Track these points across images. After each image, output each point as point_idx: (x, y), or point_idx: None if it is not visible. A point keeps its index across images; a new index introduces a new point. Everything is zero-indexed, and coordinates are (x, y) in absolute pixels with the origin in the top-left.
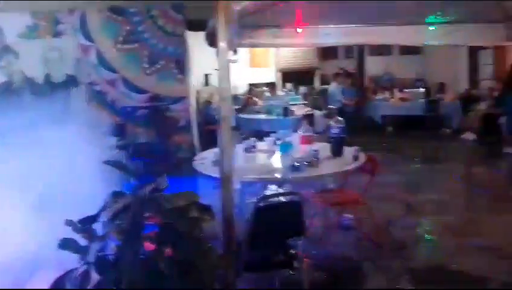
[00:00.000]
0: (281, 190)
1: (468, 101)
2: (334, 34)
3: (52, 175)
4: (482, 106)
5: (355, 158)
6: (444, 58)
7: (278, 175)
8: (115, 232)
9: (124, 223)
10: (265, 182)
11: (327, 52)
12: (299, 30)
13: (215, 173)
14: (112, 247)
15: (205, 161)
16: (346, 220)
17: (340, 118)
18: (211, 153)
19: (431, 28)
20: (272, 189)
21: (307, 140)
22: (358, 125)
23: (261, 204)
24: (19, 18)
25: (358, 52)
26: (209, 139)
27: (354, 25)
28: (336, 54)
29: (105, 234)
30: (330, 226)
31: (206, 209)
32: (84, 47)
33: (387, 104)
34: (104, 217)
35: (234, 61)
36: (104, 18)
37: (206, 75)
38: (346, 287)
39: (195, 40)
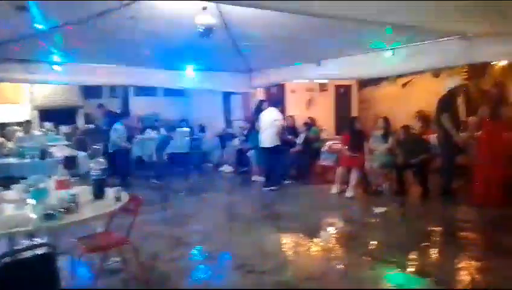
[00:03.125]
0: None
1: (224, 138)
2: (96, 73)
3: None
4: (236, 142)
5: (118, 199)
6: (204, 101)
7: (28, 227)
8: None
9: None
10: (15, 237)
11: (91, 91)
12: (56, 67)
13: None
14: None
15: None
16: (112, 263)
17: (101, 159)
18: None
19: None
20: (25, 244)
21: (62, 184)
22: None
23: (3, 262)
24: None
25: (123, 92)
26: None
27: (117, 65)
28: (100, 93)
29: None
30: (96, 272)
31: None
32: None
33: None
34: None
35: None
36: None
37: None
38: None
39: None
